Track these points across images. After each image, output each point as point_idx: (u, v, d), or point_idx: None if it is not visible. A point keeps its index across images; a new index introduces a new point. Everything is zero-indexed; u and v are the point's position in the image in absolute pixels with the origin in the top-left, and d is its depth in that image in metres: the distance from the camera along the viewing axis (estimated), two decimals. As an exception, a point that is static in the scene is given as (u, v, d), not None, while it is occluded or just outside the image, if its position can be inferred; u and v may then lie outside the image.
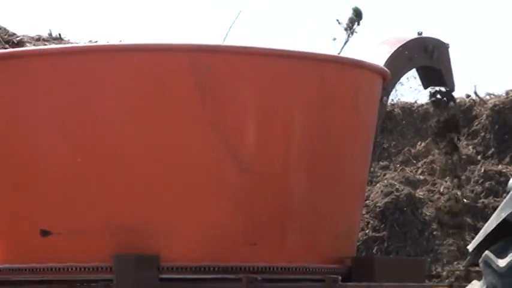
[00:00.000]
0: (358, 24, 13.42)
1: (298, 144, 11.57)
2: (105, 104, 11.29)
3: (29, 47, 17.17)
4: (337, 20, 13.82)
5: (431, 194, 17.81)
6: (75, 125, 11.27)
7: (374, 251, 15.85)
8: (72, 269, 11.04)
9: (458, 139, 14.95)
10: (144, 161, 11.06)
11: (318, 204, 11.30)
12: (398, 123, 18.49)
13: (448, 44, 13.34)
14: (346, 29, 13.41)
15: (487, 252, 8.46)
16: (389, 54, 12.60)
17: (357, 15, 11.68)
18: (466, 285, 9.16)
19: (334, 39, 14.00)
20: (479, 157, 18.47)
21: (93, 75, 11.38)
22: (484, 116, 18.73)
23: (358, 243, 14.32)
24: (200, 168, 11.01)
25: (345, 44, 14.25)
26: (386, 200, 17.41)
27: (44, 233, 11.16)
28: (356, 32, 13.47)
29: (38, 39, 20.65)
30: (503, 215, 8.55)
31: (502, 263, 8.35)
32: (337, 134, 11.76)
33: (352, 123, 11.73)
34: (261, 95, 11.30)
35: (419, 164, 18.70)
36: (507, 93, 18.95)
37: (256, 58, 11.71)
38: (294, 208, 11.19)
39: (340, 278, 10.61)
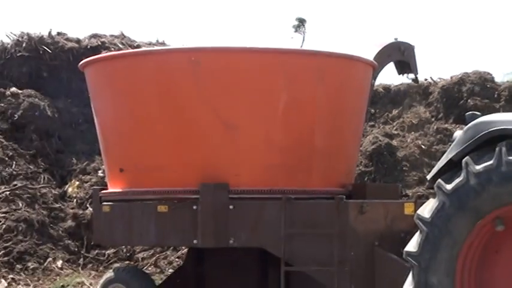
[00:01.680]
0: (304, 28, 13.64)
1: (320, 115, 11.90)
2: (188, 89, 11.59)
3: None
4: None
5: (403, 143, 18.08)
6: (175, 99, 11.68)
7: (365, 179, 16.20)
8: (175, 192, 11.62)
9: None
10: (220, 125, 11.47)
11: (331, 151, 12.07)
12: (381, 97, 18.80)
13: (414, 46, 13.87)
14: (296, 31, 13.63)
15: (439, 180, 8.86)
16: (376, 53, 13.02)
17: (301, 21, 12.20)
18: (425, 201, 9.20)
19: (292, 37, 14.27)
20: (433, 119, 18.63)
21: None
22: (436, 92, 19.04)
23: (355, 175, 14.77)
24: (259, 128, 11.57)
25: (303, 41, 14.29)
26: (373, 147, 17.72)
27: (121, 170, 12.12)
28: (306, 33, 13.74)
29: (149, 44, 20.45)
30: (450, 156, 9.02)
31: (448, 187, 8.72)
32: (345, 106, 12.36)
33: (355, 98, 12.51)
34: (305, 83, 11.72)
35: (394, 124, 18.91)
36: (451, 77, 19.14)
37: (290, 55, 12.19)
38: (316, 154, 11.86)
39: (344, 197, 11.19)
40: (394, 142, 17.81)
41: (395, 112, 19.13)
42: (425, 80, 19.27)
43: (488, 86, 19.01)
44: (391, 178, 16.58)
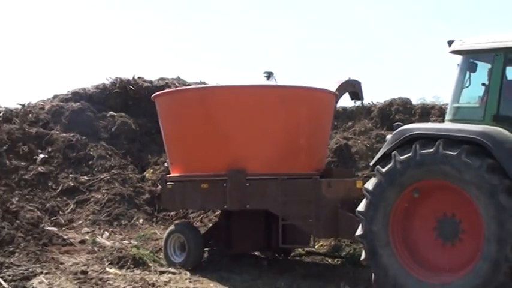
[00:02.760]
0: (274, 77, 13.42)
1: (303, 125, 11.83)
2: (219, 111, 11.58)
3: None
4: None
5: (355, 143, 18.07)
6: (211, 118, 11.62)
7: (331, 166, 16.14)
8: (212, 175, 11.60)
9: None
10: (243, 130, 11.48)
11: (310, 148, 11.98)
12: (340, 114, 18.72)
13: (360, 82, 13.83)
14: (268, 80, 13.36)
15: (377, 166, 8.96)
16: (337, 87, 12.97)
17: (269, 73, 12.12)
18: (369, 179, 9.27)
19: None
20: (373, 128, 18.48)
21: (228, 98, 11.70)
22: (375, 110, 18.92)
23: (325, 163, 14.72)
24: (265, 134, 11.48)
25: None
26: (336, 145, 17.48)
27: (171, 163, 12.17)
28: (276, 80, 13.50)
29: (196, 83, 20.31)
30: (383, 151, 9.07)
31: (383, 170, 8.81)
32: (319, 120, 12.27)
33: (326, 115, 12.46)
34: (295, 105, 11.74)
35: (349, 131, 18.77)
36: (384, 101, 19.08)
37: (295, 90, 12.14)
38: (301, 150, 11.80)
39: (318, 177, 11.08)
40: (349, 142, 17.68)
41: (349, 123, 19.01)
42: (369, 103, 19.22)
43: (408, 106, 18.89)
44: (347, 165, 16.52)
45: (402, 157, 8.62)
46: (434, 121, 16.50)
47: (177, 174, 12.24)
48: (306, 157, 11.71)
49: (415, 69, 34.59)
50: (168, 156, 12.83)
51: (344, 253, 12.81)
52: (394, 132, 9.06)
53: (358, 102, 14.69)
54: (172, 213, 15.94)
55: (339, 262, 12.65)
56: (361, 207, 9.05)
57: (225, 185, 11.29)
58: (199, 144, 11.63)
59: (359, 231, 9.06)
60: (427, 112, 18.52)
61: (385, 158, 8.93)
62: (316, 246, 13.14)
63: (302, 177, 11.29)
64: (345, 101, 18.87)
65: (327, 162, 16.54)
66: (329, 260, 12.88)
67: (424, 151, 8.44)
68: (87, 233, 14.75)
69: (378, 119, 18.84)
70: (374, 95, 26.94)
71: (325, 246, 13.35)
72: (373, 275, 9.02)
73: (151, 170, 17.66)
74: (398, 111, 18.80)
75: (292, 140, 11.58)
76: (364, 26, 39.46)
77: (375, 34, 39.39)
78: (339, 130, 18.96)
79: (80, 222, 15.50)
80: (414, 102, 19.30)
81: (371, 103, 19.43)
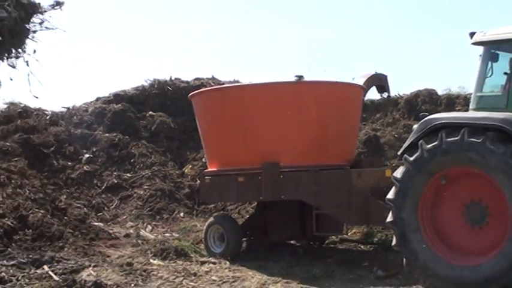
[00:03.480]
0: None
1: (334, 118, 11.77)
2: (253, 107, 11.61)
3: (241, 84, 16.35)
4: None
5: (383, 134, 17.90)
6: (246, 115, 11.68)
7: (361, 156, 16.04)
8: (248, 169, 11.64)
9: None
10: (276, 125, 11.46)
11: (340, 140, 11.86)
12: (369, 107, 18.54)
13: (387, 75, 13.67)
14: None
15: (405, 155, 8.91)
16: (364, 81, 12.90)
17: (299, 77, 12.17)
18: (398, 167, 9.21)
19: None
20: (401, 119, 18.30)
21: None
22: (402, 102, 18.71)
23: (356, 154, 14.72)
24: (297, 129, 11.49)
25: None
26: (365, 137, 17.44)
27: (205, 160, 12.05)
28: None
29: (230, 82, 20.34)
30: (411, 140, 9.00)
31: (411, 158, 8.75)
32: (348, 112, 12.24)
33: (355, 108, 12.41)
34: (325, 100, 11.73)
35: (378, 122, 18.62)
36: (410, 93, 18.90)
37: (324, 85, 12.15)
38: (331, 142, 11.72)
39: (349, 167, 11.11)
40: (378, 133, 17.67)
41: (378, 115, 18.87)
42: (395, 95, 19.10)
43: (433, 97, 18.68)
44: (377, 155, 16.38)
45: (429, 146, 8.58)
46: (459, 110, 16.32)
47: (214, 169, 12.30)
48: (337, 149, 11.67)
49: (441, 60, 33.96)
50: (205, 152, 12.89)
51: (376, 239, 12.75)
52: (420, 122, 9.01)
53: (385, 95, 14.58)
54: (211, 206, 16.02)
55: (372, 248, 12.61)
56: (390, 195, 9.02)
57: (260, 177, 11.32)
58: (234, 140, 11.69)
59: (389, 218, 9.03)
60: (453, 102, 18.29)
61: (412, 147, 8.88)
62: (349, 234, 13.11)
63: (333, 168, 11.29)
64: (373, 94, 18.75)
65: (357, 153, 16.54)
66: (362, 247, 12.85)
67: (449, 139, 8.39)
68: (131, 227, 14.95)
69: (405, 110, 18.64)
70: (401, 87, 26.54)
71: (358, 234, 13.28)
72: (404, 259, 9.01)
73: (190, 166, 17.76)
74: (425, 101, 18.60)
75: (323, 132, 11.56)
76: (390, 19, 38.87)
77: (400, 27, 38.84)
78: (367, 122, 18.81)
79: (124, 217, 15.74)
80: (440, 92, 19.06)
81: (398, 95, 19.29)
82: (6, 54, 7.83)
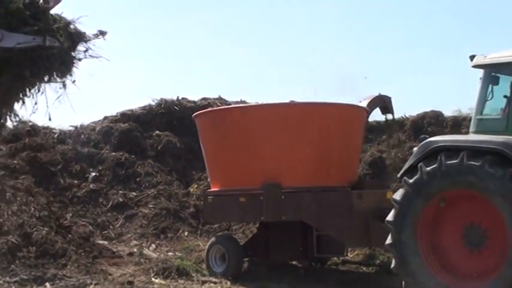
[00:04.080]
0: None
1: (336, 140, 11.77)
2: (255, 129, 11.63)
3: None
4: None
5: (389, 155, 17.82)
6: (248, 135, 11.68)
7: (366, 178, 16.00)
8: (249, 189, 11.64)
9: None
10: (277, 146, 11.47)
11: (344, 160, 11.91)
12: (375, 128, 18.44)
13: (391, 97, 13.66)
14: None
15: (404, 177, 8.87)
16: (367, 103, 12.89)
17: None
18: (398, 190, 9.16)
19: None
20: (407, 140, 18.27)
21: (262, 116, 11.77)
22: (408, 124, 18.80)
23: (360, 175, 14.75)
24: (299, 151, 11.44)
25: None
26: (371, 158, 17.46)
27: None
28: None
29: (236, 102, 20.14)
30: (410, 162, 8.97)
31: (410, 181, 8.74)
32: (351, 134, 12.24)
33: (357, 130, 12.39)
34: (327, 121, 11.74)
35: (383, 144, 18.59)
36: (417, 114, 18.95)
37: (326, 107, 12.10)
38: (333, 164, 11.65)
39: (349, 189, 11.03)
40: (384, 155, 17.74)
41: (383, 137, 18.84)
42: (402, 116, 19.10)
43: (439, 118, 18.70)
44: (382, 177, 16.37)
45: (428, 168, 8.57)
46: (465, 132, 16.30)
47: (217, 189, 12.31)
48: (338, 170, 11.64)
49: (451, 81, 33.77)
50: (208, 172, 12.91)
51: (378, 261, 12.70)
52: (419, 145, 9.01)
53: (389, 116, 14.53)
54: (215, 225, 15.97)
55: (374, 270, 12.52)
56: (390, 217, 9.00)
57: (261, 198, 11.32)
58: (236, 161, 11.73)
59: (388, 240, 9.00)
60: (459, 124, 18.25)
61: (412, 170, 8.89)
62: (351, 256, 13.11)
63: (334, 190, 11.28)
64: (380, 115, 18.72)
65: (361, 174, 16.51)
66: (364, 269, 12.76)
67: (449, 162, 8.38)
68: (136, 245, 14.89)
69: (411, 131, 18.65)
70: (409, 108, 26.49)
71: (360, 255, 13.24)
72: (403, 282, 8.94)
73: (196, 185, 17.69)
74: (431, 123, 18.62)
75: (324, 154, 11.54)
76: (403, 40, 38.64)
77: (411, 47, 38.64)
78: (373, 143, 18.83)
79: (129, 235, 15.68)
80: (450, 113, 19.00)
81: (404, 116, 19.27)
82: (48, 79, 8.02)
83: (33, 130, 18.49)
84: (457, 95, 33.20)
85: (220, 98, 21.01)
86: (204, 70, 38.44)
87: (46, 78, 7.79)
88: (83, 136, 19.21)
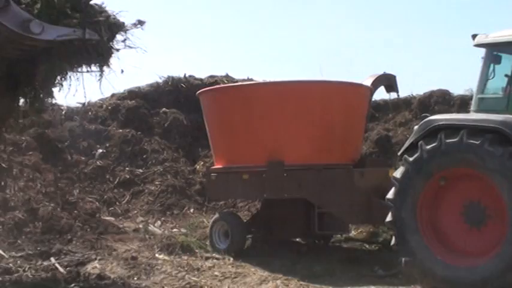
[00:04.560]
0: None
1: (339, 118, 11.83)
2: (260, 106, 11.67)
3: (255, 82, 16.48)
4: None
5: (395, 134, 17.83)
6: (252, 113, 11.73)
7: (372, 156, 15.95)
8: (252, 166, 11.70)
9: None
10: (281, 124, 11.52)
11: (347, 138, 11.92)
12: (382, 107, 18.41)
13: (395, 75, 13.66)
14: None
15: (405, 155, 8.90)
16: (372, 81, 12.87)
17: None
18: (398, 168, 9.37)
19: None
20: (413, 119, 18.02)
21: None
22: (415, 102, 18.71)
23: (364, 154, 14.86)
24: (302, 128, 11.53)
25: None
26: (377, 136, 17.42)
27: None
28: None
29: (243, 80, 20.02)
30: (411, 141, 9.01)
31: (410, 159, 8.75)
32: (354, 112, 12.21)
33: (361, 108, 12.38)
34: (330, 99, 11.79)
35: (390, 122, 18.56)
36: (424, 93, 18.88)
37: (330, 85, 12.19)
38: (336, 142, 11.61)
39: (352, 167, 11.05)
40: (390, 133, 17.71)
41: (390, 115, 18.82)
42: (409, 95, 19.09)
43: (446, 97, 18.62)
44: (388, 155, 16.33)
45: (428, 146, 8.60)
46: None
47: (220, 166, 12.37)
48: (341, 148, 11.69)
49: (464, 60, 33.51)
50: (212, 149, 12.97)
51: (381, 239, 12.72)
52: (420, 123, 9.03)
53: (392, 94, 14.54)
54: (221, 202, 16.04)
55: (376, 248, 12.60)
56: (390, 194, 9.04)
57: (264, 175, 11.37)
58: (240, 138, 11.79)
59: (388, 218, 9.04)
60: (466, 103, 18.18)
61: (412, 148, 8.92)
62: (355, 233, 13.17)
63: (336, 167, 11.33)
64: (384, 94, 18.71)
65: (367, 152, 16.52)
66: (367, 246, 12.84)
67: (449, 140, 8.42)
68: (142, 222, 14.99)
69: (418, 110, 18.57)
70: (413, 85, 26.39)
71: (364, 233, 13.29)
72: (402, 259, 8.95)
73: (202, 163, 17.73)
74: (438, 102, 18.55)
75: (327, 132, 11.59)
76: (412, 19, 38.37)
77: (424, 27, 38.37)
78: (380, 122, 18.79)
79: (135, 212, 15.80)
80: (462, 92, 18.93)
81: (411, 95, 19.21)
82: (87, 69, 8.18)
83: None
84: (470, 74, 33.00)
85: (227, 76, 21.03)
86: (212, 48, 38.43)
87: (84, 68, 7.93)
88: (90, 113, 19.30)
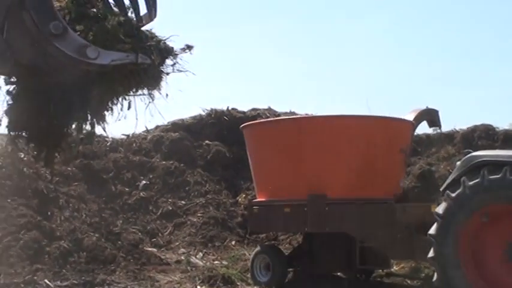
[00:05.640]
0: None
1: (382, 152, 11.86)
2: (302, 141, 11.75)
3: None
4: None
5: (438, 168, 17.73)
6: (293, 147, 11.79)
7: (414, 191, 15.96)
8: (294, 200, 11.71)
9: None
10: (323, 157, 11.57)
11: (388, 173, 11.82)
12: (424, 141, 18.39)
13: (438, 110, 13.65)
14: None
15: (447, 191, 8.89)
16: (414, 116, 12.92)
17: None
18: (440, 203, 9.29)
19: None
20: (456, 153, 18.04)
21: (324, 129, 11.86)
22: (458, 137, 18.65)
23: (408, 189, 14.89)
24: (344, 161, 11.58)
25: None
26: (419, 171, 17.22)
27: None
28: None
29: (286, 113, 20.55)
30: (453, 177, 8.99)
31: (453, 195, 8.73)
32: (397, 146, 12.09)
33: (402, 141, 12.33)
34: (374, 134, 11.83)
35: (433, 157, 18.44)
36: (467, 127, 18.82)
37: (373, 120, 12.31)
38: (378, 176, 11.62)
39: (393, 202, 10.99)
40: (433, 168, 17.61)
41: (433, 150, 18.75)
42: (452, 129, 19.03)
43: (490, 132, 18.52)
44: (431, 190, 16.18)
45: (471, 182, 8.62)
46: (515, 148, 16.14)
47: (263, 199, 12.48)
48: (383, 182, 11.70)
49: (510, 94, 33.19)
50: (254, 183, 13.10)
51: (423, 275, 12.59)
52: (463, 159, 9.07)
53: (435, 129, 14.55)
54: (262, 235, 16.12)
55: (418, 283, 12.46)
56: (432, 230, 9.05)
57: (305, 208, 11.44)
58: (282, 172, 11.89)
59: (431, 254, 9.04)
60: (510, 138, 18.07)
61: (455, 184, 8.94)
62: (396, 268, 13.10)
63: (378, 202, 11.34)
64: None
65: (410, 187, 16.42)
66: (408, 282, 12.71)
67: (491, 177, 8.43)
68: (183, 253, 15.13)
69: (461, 144, 18.50)
70: (457, 120, 26.23)
71: (406, 268, 13.21)
72: (445, 296, 8.99)
73: (244, 195, 17.86)
74: (481, 137, 18.46)
75: (369, 166, 11.61)
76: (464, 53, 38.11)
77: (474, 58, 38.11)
78: (422, 156, 18.73)
79: (177, 243, 15.90)
80: (505, 126, 18.81)
81: (454, 129, 19.14)
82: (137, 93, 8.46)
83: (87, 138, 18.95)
84: (513, 108, 32.68)
85: (269, 109, 21.25)
86: (254, 80, 38.78)
87: (136, 91, 8.18)
88: (134, 145, 19.63)
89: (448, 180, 9.13)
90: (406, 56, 40.37)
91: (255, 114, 20.53)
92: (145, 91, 8.21)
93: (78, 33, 7.50)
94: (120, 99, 8.19)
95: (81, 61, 7.15)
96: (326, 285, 11.96)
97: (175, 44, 8.24)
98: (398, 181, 12.31)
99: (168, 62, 8.14)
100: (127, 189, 17.56)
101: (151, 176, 18.23)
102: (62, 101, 7.94)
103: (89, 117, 8.27)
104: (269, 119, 17.10)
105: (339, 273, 13.09)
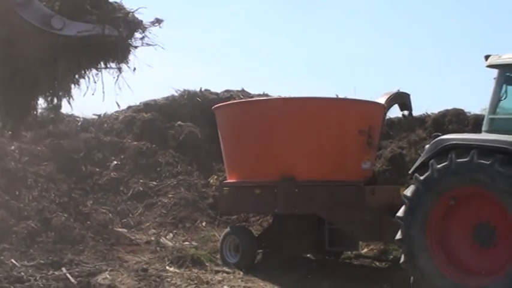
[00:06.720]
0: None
1: (353, 134, 11.77)
2: (275, 122, 11.70)
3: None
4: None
5: (409, 152, 17.73)
6: (267, 129, 11.75)
7: (385, 175, 15.96)
8: (264, 182, 11.73)
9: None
10: (294, 140, 11.51)
11: (359, 155, 11.73)
12: (396, 125, 18.38)
13: (409, 94, 13.70)
14: None
15: (415, 174, 8.93)
16: (386, 99, 12.92)
17: None
18: (408, 187, 9.34)
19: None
20: (427, 137, 18.11)
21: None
22: (429, 121, 18.64)
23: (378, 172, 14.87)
24: (315, 144, 11.51)
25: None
26: (390, 154, 17.34)
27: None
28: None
29: (259, 95, 20.32)
30: (421, 159, 9.03)
31: (421, 177, 8.78)
32: (370, 129, 12.02)
33: (375, 125, 12.33)
34: (344, 117, 11.81)
35: (404, 141, 18.47)
36: (438, 112, 18.82)
37: (344, 102, 12.38)
38: (351, 157, 11.70)
39: (363, 184, 11.10)
40: (404, 151, 17.67)
41: (404, 134, 18.79)
42: (423, 113, 19.05)
43: (461, 117, 18.56)
44: (401, 174, 16.30)
45: (439, 166, 8.68)
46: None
47: (233, 181, 12.45)
48: (353, 165, 11.73)
49: (481, 79, 33.59)
50: (225, 164, 13.04)
51: (391, 257, 12.72)
52: (431, 142, 9.11)
53: (405, 113, 14.58)
54: (233, 217, 16.10)
55: (386, 265, 12.60)
56: (400, 212, 9.11)
57: (276, 190, 11.43)
58: (253, 153, 11.85)
59: (398, 236, 9.11)
60: (481, 123, 18.07)
61: (423, 167, 8.99)
62: (365, 250, 13.19)
63: (348, 184, 11.37)
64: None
65: (380, 170, 16.46)
66: (377, 263, 12.83)
67: (459, 160, 8.49)
68: (154, 234, 15.03)
69: (432, 128, 18.53)
70: (429, 104, 26.30)
71: (374, 250, 13.30)
72: (411, 277, 9.05)
73: (215, 177, 17.77)
74: (452, 121, 18.51)
75: (340, 149, 11.62)
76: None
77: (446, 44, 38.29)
78: (394, 140, 18.76)
79: (147, 224, 15.81)
80: (479, 112, 18.89)
81: (425, 114, 19.19)
82: (105, 66, 8.29)
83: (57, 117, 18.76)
84: (486, 93, 32.83)
85: (243, 91, 21.09)
86: (228, 62, 38.61)
87: (102, 65, 8.02)
88: (106, 125, 19.49)
89: (417, 163, 9.19)
90: (377, 38, 40.48)
91: (228, 95, 20.33)
92: (113, 64, 8.10)
93: (44, 3, 7.36)
94: (87, 72, 8.08)
95: (46, 31, 7.02)
96: (295, 267, 11.96)
97: (144, 17, 8.15)
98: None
99: (137, 35, 8.03)
100: (98, 169, 17.46)
101: (122, 157, 18.12)
102: (28, 73, 7.82)
103: (55, 90, 8.13)
104: (241, 100, 17.04)
105: (307, 255, 13.21)
